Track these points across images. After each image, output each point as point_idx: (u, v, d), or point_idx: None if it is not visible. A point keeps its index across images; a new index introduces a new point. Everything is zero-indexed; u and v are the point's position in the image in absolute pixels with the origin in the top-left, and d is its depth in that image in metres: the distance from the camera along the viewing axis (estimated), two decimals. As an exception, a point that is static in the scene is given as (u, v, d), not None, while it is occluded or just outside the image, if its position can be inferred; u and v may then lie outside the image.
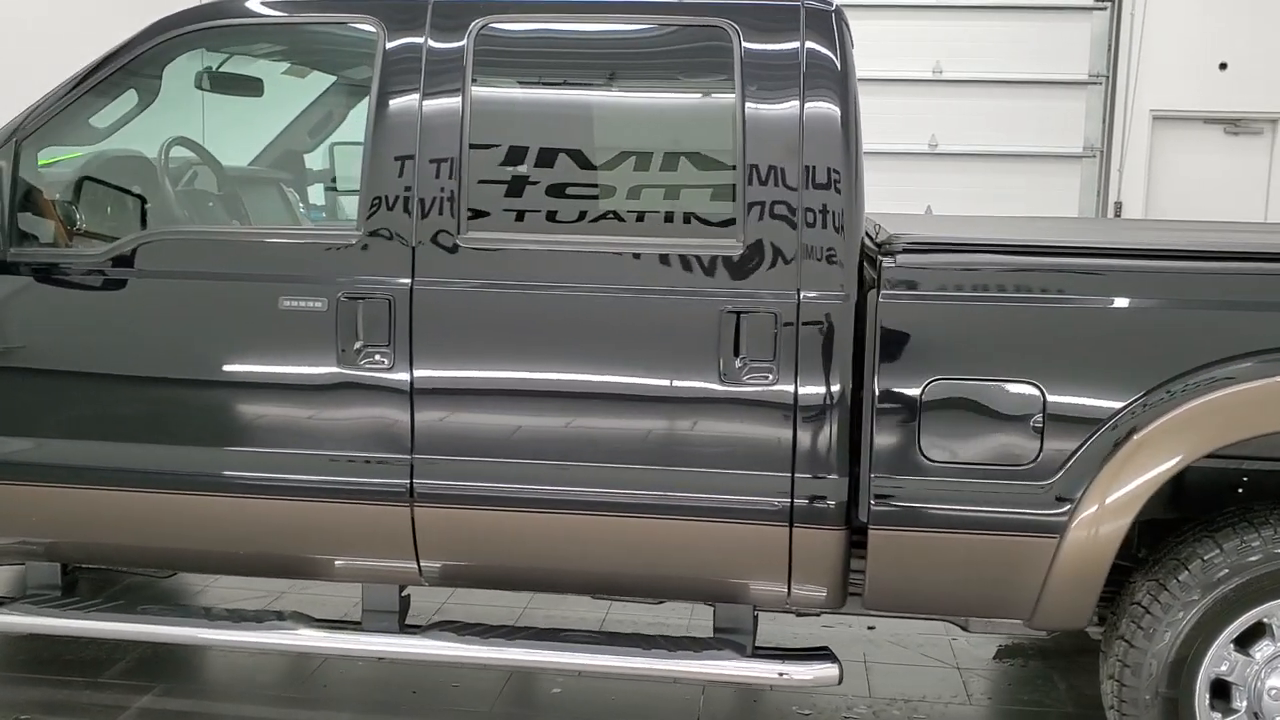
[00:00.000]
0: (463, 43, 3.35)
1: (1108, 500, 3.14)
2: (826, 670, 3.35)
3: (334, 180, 5.30)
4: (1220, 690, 3.23)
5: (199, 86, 4.18)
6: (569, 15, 3.44)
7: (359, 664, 4.37)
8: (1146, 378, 3.12)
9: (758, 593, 3.41)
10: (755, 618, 3.52)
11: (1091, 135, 11.42)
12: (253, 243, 3.46)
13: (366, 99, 3.42)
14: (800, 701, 4.19)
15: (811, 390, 3.21)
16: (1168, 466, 3.10)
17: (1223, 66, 10.97)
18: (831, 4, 3.35)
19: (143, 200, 3.87)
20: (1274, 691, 3.17)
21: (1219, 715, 3.22)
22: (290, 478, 3.41)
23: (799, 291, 3.21)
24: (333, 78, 4.92)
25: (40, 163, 3.58)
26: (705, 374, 3.24)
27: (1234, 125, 11.22)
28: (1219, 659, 3.20)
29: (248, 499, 3.43)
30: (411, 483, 3.36)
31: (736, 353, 3.22)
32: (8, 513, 3.55)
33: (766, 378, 3.21)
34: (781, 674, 3.34)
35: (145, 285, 3.43)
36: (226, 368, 3.43)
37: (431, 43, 3.36)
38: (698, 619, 4.86)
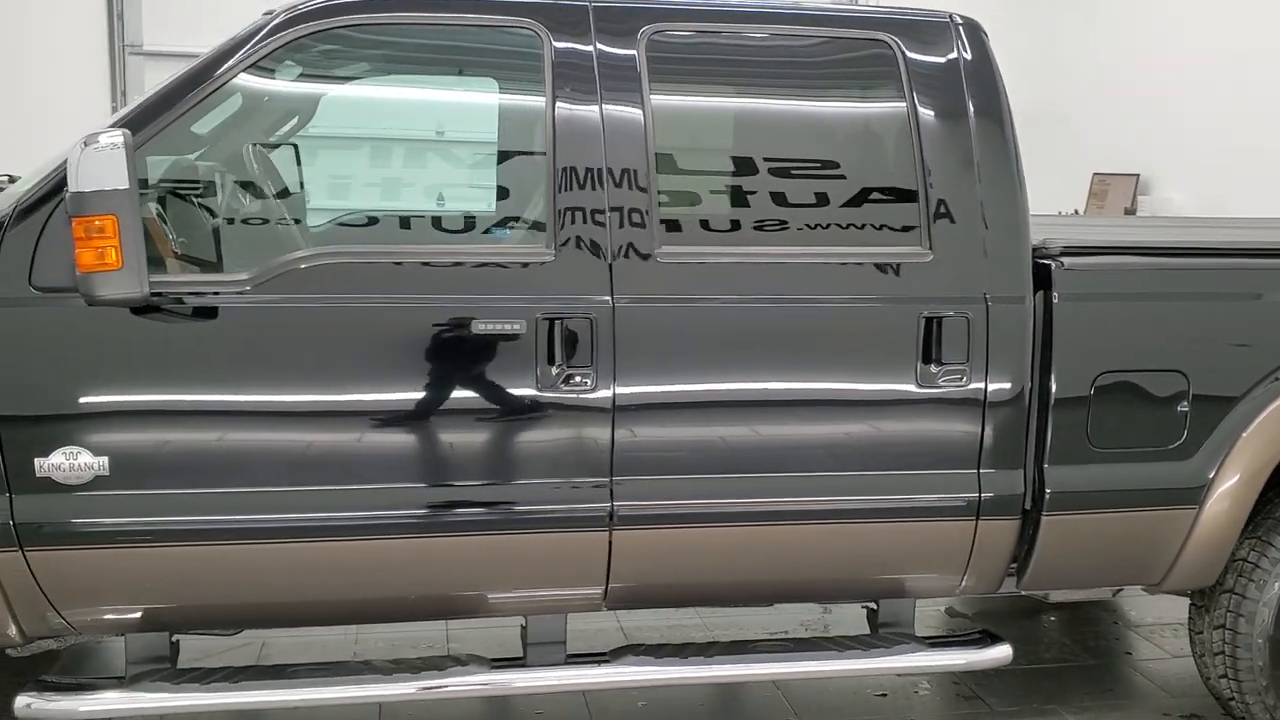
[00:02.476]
0: (634, 49, 3.25)
1: (1243, 471, 3.54)
2: (1004, 651, 3.56)
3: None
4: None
5: None
6: (734, 23, 3.40)
7: (419, 704, 4.09)
8: (1275, 358, 3.54)
9: (931, 586, 3.56)
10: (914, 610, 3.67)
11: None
12: (437, 263, 3.16)
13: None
14: (873, 685, 4.37)
15: (998, 388, 3.38)
16: (1297, 435, 3.54)
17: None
18: (972, 19, 3.52)
19: (212, 214, 3.45)
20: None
21: (1310, 649, 3.73)
22: (478, 512, 3.18)
23: (986, 296, 3.36)
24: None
25: None
26: (903, 378, 3.33)
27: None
28: (1313, 601, 3.69)
29: (429, 539, 3.17)
30: (611, 506, 3.23)
31: (931, 357, 3.33)
32: (145, 579, 3.07)
33: (960, 379, 3.34)
34: (970, 659, 3.52)
35: (304, 312, 3.07)
36: (409, 399, 3.12)
37: (601, 47, 3.24)
38: (709, 619, 4.91)
